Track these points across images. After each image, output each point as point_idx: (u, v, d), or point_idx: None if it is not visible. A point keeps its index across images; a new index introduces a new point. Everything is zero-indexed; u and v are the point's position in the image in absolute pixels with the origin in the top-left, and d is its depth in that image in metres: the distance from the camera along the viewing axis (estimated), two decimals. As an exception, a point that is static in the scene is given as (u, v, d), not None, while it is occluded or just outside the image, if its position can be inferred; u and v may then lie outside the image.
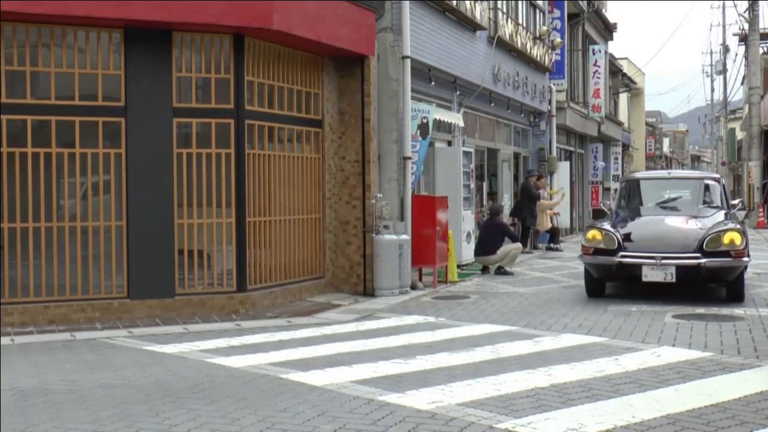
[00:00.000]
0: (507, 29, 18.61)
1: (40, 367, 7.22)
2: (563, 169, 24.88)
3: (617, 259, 10.88)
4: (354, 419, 5.36)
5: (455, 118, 15.75)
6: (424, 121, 13.84)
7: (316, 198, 11.90)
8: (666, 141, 71.26)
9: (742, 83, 43.60)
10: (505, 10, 18.69)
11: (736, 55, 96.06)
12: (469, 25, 16.26)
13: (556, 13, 24.35)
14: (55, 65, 9.57)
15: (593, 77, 30.81)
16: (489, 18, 17.44)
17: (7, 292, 9.33)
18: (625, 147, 41.43)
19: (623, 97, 45.53)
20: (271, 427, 5.21)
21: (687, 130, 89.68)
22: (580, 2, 27.85)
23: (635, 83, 46.52)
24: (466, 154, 15.93)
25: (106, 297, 9.74)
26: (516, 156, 21.89)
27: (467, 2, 15.64)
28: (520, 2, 20.45)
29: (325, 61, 11.99)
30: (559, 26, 24.34)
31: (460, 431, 5.11)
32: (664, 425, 5.22)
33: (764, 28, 37.30)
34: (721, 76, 54.03)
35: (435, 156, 15.33)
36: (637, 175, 14.91)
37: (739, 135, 49.90)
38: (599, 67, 31.10)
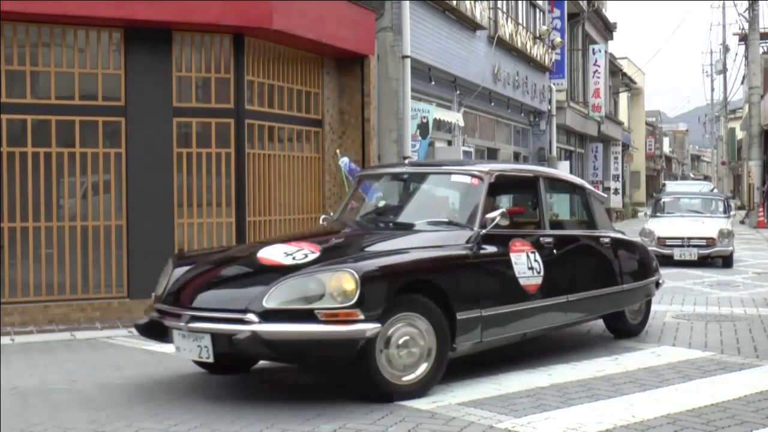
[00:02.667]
0: (507, 29, 18.61)
1: (40, 366, 7.21)
2: (563, 168, 24.88)
3: None
4: (354, 419, 5.36)
5: (455, 118, 15.76)
6: (424, 120, 13.84)
7: (316, 198, 11.90)
8: (666, 141, 71.30)
9: (742, 83, 43.59)
10: (505, 9, 18.69)
11: (736, 54, 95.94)
12: (469, 24, 16.26)
13: (556, 12, 24.37)
14: (55, 65, 9.57)
15: (593, 77, 30.82)
16: (489, 17, 17.44)
17: (7, 292, 9.33)
18: (625, 147, 41.43)
19: (623, 97, 45.54)
20: (271, 427, 5.21)
21: (687, 130, 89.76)
22: (580, 2, 27.85)
23: (635, 83, 46.52)
24: (466, 153, 15.93)
25: (106, 297, 9.73)
26: (516, 156, 21.90)
27: (467, 2, 15.64)
28: (520, 2, 20.45)
29: (325, 60, 11.99)
30: (559, 26, 24.36)
31: (460, 431, 5.10)
32: (664, 425, 5.21)
33: (764, 28, 37.29)
34: (721, 76, 54.05)
35: (435, 156, 15.33)
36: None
37: (739, 135, 49.91)
38: (599, 66, 31.11)
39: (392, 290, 5.47)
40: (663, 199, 18.57)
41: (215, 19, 9.84)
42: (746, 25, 35.40)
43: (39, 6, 9.09)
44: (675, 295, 11.47)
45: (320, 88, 11.95)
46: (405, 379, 5.68)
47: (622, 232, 8.46)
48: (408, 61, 13.01)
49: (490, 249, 6.35)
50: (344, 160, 10.98)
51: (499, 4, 18.21)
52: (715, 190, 25.67)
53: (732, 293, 11.84)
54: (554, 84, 23.85)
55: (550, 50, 23.00)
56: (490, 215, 6.36)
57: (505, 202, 8.48)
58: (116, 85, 9.81)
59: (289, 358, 5.76)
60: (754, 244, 22.03)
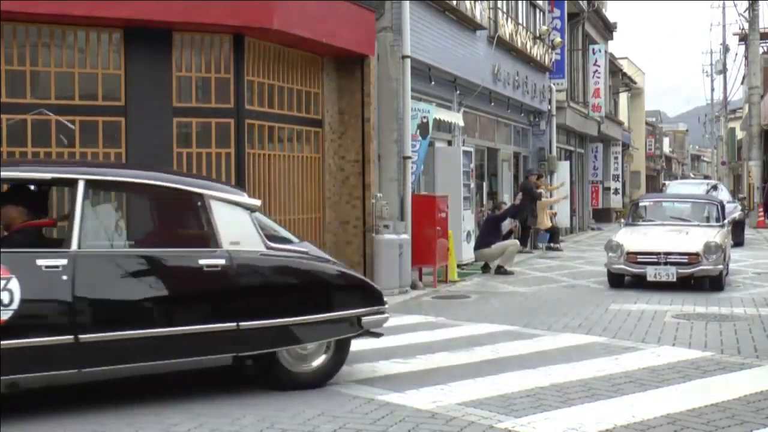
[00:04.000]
0: (507, 29, 18.62)
1: (40, 366, 7.19)
2: (563, 168, 24.89)
3: None
4: (354, 419, 5.36)
5: (455, 118, 15.76)
6: (424, 120, 13.84)
7: (316, 198, 11.90)
8: (666, 140, 71.27)
9: (742, 83, 43.60)
10: (505, 9, 18.69)
11: (736, 54, 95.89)
12: (469, 24, 16.26)
13: (556, 12, 24.36)
14: (55, 65, 9.57)
15: (593, 77, 30.81)
16: (489, 17, 17.44)
17: (7, 292, 9.30)
18: (625, 147, 41.43)
19: (623, 97, 45.52)
20: (271, 427, 5.21)
21: (687, 130, 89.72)
22: (580, 2, 27.85)
23: (635, 83, 46.51)
24: (466, 153, 15.93)
25: (106, 297, 9.71)
26: (516, 156, 21.90)
27: (467, 2, 15.64)
28: (520, 2, 20.45)
29: (325, 60, 11.99)
30: (559, 26, 24.35)
31: (460, 431, 5.10)
32: (664, 425, 5.22)
33: (764, 28, 37.29)
34: (721, 76, 54.03)
35: (435, 156, 15.34)
36: None
37: (739, 134, 49.91)
38: (599, 66, 31.11)
39: None
40: (642, 204, 14.99)
41: (215, 19, 9.83)
42: (746, 25, 35.41)
43: (39, 6, 9.08)
44: (675, 295, 11.47)
45: (320, 88, 11.94)
46: None
47: (302, 250, 6.36)
48: (408, 61, 13.01)
49: None
50: None
51: (499, 4, 18.21)
52: (722, 188, 23.65)
53: (732, 293, 11.85)
54: (554, 84, 23.85)
55: (550, 50, 23.00)
56: None
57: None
58: (116, 85, 9.81)
59: None
60: (754, 244, 22.04)
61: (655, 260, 12.08)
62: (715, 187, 24.44)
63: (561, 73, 24.45)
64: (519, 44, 19.62)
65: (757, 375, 6.70)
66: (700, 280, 12.26)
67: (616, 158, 38.15)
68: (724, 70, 52.79)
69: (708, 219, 13.79)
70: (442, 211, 13.11)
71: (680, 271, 11.95)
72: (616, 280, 12.67)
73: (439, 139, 15.81)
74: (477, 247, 15.14)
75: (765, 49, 38.54)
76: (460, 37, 16.08)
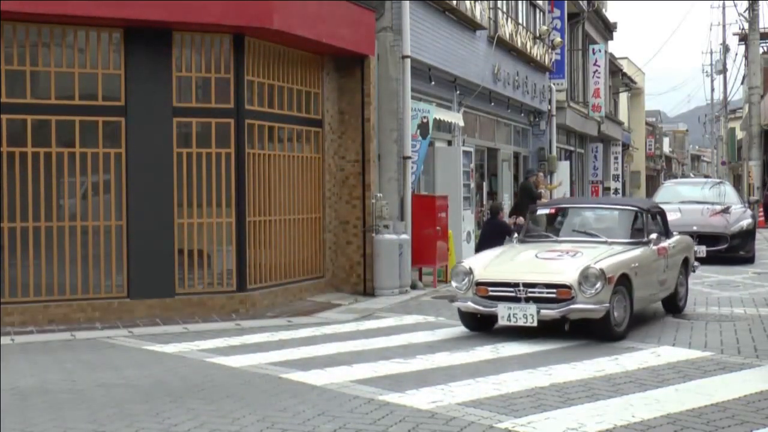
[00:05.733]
0: (507, 29, 18.62)
1: (40, 366, 7.21)
2: (563, 168, 24.88)
3: None
4: (354, 419, 5.36)
5: (455, 118, 15.76)
6: (424, 120, 13.84)
7: (316, 198, 11.90)
8: (666, 140, 71.27)
9: (742, 83, 43.58)
10: (505, 9, 18.69)
11: (736, 54, 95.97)
12: (469, 24, 16.26)
13: (556, 12, 24.37)
14: (55, 65, 9.57)
15: (593, 77, 30.82)
16: (489, 18, 17.44)
17: (7, 292, 9.32)
18: (625, 146, 41.44)
19: (623, 97, 45.54)
20: (271, 427, 5.21)
21: (687, 130, 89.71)
22: (580, 2, 27.86)
23: (635, 83, 46.53)
24: (466, 153, 15.92)
25: (106, 297, 9.73)
26: (516, 156, 21.89)
27: (467, 2, 15.64)
28: (520, 2, 20.45)
29: (325, 60, 11.99)
30: (559, 26, 24.35)
31: (460, 431, 5.11)
32: (664, 425, 5.22)
33: (764, 28, 37.28)
34: (721, 76, 54.01)
35: (435, 156, 15.33)
36: None
37: (739, 134, 49.90)
38: (599, 66, 31.11)
39: None
40: (541, 212, 10.56)
41: (215, 19, 9.84)
42: (746, 25, 35.39)
43: (39, 6, 9.08)
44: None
45: (320, 88, 11.94)
46: None
47: None
48: (408, 61, 13.01)
49: None
50: None
51: (499, 4, 18.21)
52: (727, 188, 18.69)
53: (732, 293, 11.84)
54: (554, 84, 23.85)
55: (550, 50, 23.00)
56: None
57: None
58: (116, 85, 9.81)
59: None
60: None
61: (512, 294, 8.26)
62: (719, 185, 19.52)
63: (561, 73, 24.45)
64: (519, 44, 19.61)
65: (757, 375, 6.70)
66: (580, 322, 8.30)
67: (616, 158, 38.15)
68: (724, 70, 52.77)
69: (627, 233, 9.46)
70: (442, 211, 13.11)
71: (544, 311, 8.07)
72: (471, 320, 8.77)
73: (439, 139, 15.80)
74: (478, 250, 15.01)
75: (765, 49, 38.54)
76: (460, 37, 16.08)
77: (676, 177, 65.22)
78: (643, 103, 53.42)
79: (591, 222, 10.00)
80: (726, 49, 53.29)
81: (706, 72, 63.62)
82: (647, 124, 57.52)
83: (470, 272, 8.54)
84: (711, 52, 62.02)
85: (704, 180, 21.26)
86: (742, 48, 39.96)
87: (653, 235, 9.33)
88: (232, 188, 10.31)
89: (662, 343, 8.08)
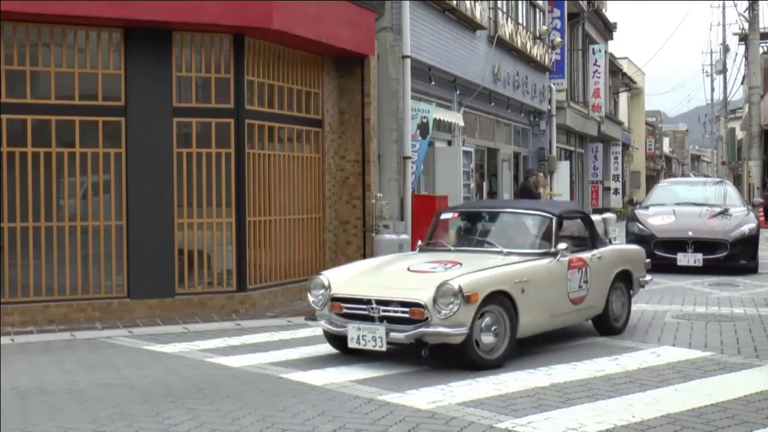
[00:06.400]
0: (507, 29, 18.62)
1: (40, 366, 7.22)
2: (563, 168, 24.88)
3: None
4: (354, 419, 5.36)
5: (455, 118, 15.76)
6: (424, 120, 13.84)
7: (316, 198, 11.90)
8: (666, 141, 71.27)
9: (742, 83, 43.58)
10: (505, 9, 18.69)
11: (736, 54, 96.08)
12: (469, 24, 16.27)
13: (556, 12, 24.38)
14: (55, 65, 9.57)
15: (593, 77, 30.83)
16: (489, 17, 17.45)
17: (7, 292, 9.33)
18: (625, 147, 41.45)
19: (623, 97, 45.54)
20: (271, 427, 5.21)
21: (687, 130, 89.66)
22: (580, 2, 27.86)
23: (635, 83, 46.54)
24: (466, 153, 15.93)
25: (106, 297, 9.73)
26: (516, 156, 21.89)
27: (467, 2, 15.65)
28: (520, 2, 20.46)
29: (325, 60, 11.99)
30: (559, 26, 24.36)
31: (459, 431, 5.11)
32: (664, 425, 5.22)
33: (764, 28, 37.28)
34: (721, 76, 54.02)
35: (435, 156, 15.34)
36: None
37: (739, 134, 49.89)
38: (599, 66, 31.13)
39: None
40: (444, 216, 8.86)
41: (215, 19, 9.83)
42: (746, 25, 35.39)
43: (39, 6, 9.08)
44: (675, 295, 11.47)
45: (320, 88, 11.94)
46: None
47: None
48: (408, 61, 13.02)
49: None
50: None
51: (499, 4, 18.21)
52: (729, 188, 16.48)
53: (732, 293, 11.83)
54: (554, 84, 23.86)
55: (550, 50, 23.01)
56: None
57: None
58: (116, 85, 9.81)
59: None
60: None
61: (365, 313, 7.12)
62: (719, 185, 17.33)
63: (561, 73, 24.47)
64: (519, 44, 19.62)
65: (757, 375, 6.70)
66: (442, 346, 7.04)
67: (616, 158, 38.16)
68: (724, 70, 52.77)
69: (529, 242, 8.15)
70: (442, 211, 13.11)
71: (393, 334, 6.87)
72: (333, 340, 7.60)
73: (439, 139, 15.81)
74: None
75: (765, 49, 38.54)
76: (460, 37, 16.08)
77: (675, 177, 65.19)
78: (643, 103, 53.41)
79: (492, 229, 8.57)
80: (726, 49, 53.31)
81: (706, 72, 63.65)
82: (647, 124, 57.52)
83: (327, 286, 7.36)
84: (711, 52, 62.17)
85: (703, 179, 19.13)
86: (742, 48, 39.96)
87: (561, 245, 7.78)
88: (232, 188, 10.31)
89: (662, 343, 8.08)
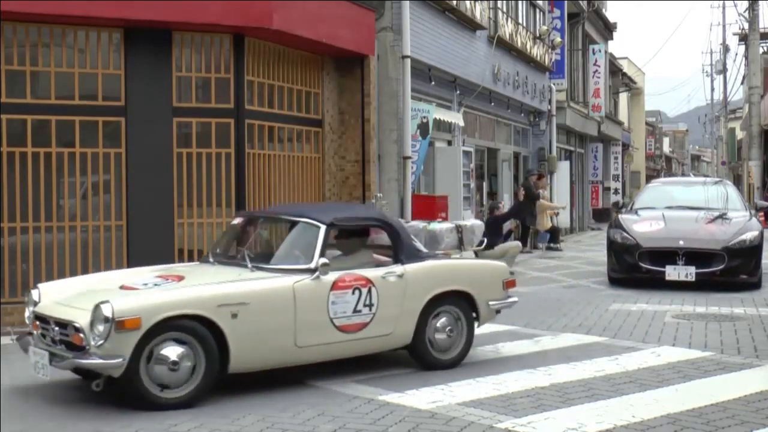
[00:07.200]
0: (507, 29, 18.62)
1: (40, 366, 7.19)
2: (563, 168, 24.86)
3: None
4: (354, 419, 5.36)
5: (455, 118, 15.76)
6: (424, 120, 13.84)
7: (316, 198, 11.90)
8: (666, 140, 71.28)
9: (742, 83, 43.59)
10: (505, 9, 18.69)
11: (736, 54, 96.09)
12: (469, 24, 16.26)
13: (556, 12, 24.36)
14: (55, 65, 9.57)
15: (593, 77, 30.81)
16: (489, 17, 17.44)
17: (7, 292, 9.32)
18: (625, 147, 41.43)
19: (623, 97, 45.52)
20: (271, 427, 5.21)
21: (687, 130, 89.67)
22: (580, 2, 27.84)
23: (635, 83, 46.53)
24: (466, 153, 15.93)
25: (106, 297, 9.71)
26: (516, 156, 21.88)
27: (467, 2, 15.64)
28: (520, 2, 20.45)
29: (325, 60, 11.99)
30: (559, 26, 24.35)
31: (460, 431, 5.11)
32: (664, 425, 5.22)
33: (764, 28, 37.29)
34: (721, 76, 54.04)
35: (435, 156, 15.33)
36: None
37: (739, 134, 49.90)
38: (599, 66, 31.11)
39: None
40: (234, 221, 7.93)
41: (215, 19, 9.84)
42: (746, 25, 35.40)
43: (39, 6, 9.08)
44: (674, 296, 11.46)
45: (320, 88, 11.95)
46: None
47: None
48: (408, 61, 13.02)
49: None
50: None
51: (499, 4, 18.21)
52: (729, 188, 14.45)
53: (732, 293, 11.83)
54: (554, 84, 23.85)
55: (550, 50, 23.00)
56: None
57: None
58: (116, 85, 9.81)
59: None
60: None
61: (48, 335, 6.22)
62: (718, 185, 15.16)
63: (561, 73, 24.45)
64: (519, 44, 19.61)
65: (757, 375, 6.70)
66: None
67: (616, 158, 38.14)
68: (724, 70, 52.80)
69: (284, 256, 6.79)
70: (442, 211, 13.11)
71: (56, 362, 5.87)
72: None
73: (439, 139, 15.80)
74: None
75: (765, 49, 38.55)
76: (460, 37, 16.08)
77: (675, 177, 65.11)
78: (643, 103, 53.41)
79: (261, 239, 7.65)
80: (726, 49, 53.34)
81: (706, 72, 63.66)
82: (647, 124, 57.53)
83: (35, 301, 6.33)
84: (711, 52, 62.14)
85: (702, 179, 17.01)
86: (742, 48, 39.98)
87: (321, 260, 6.34)
88: (232, 188, 10.31)
89: (662, 343, 8.08)
